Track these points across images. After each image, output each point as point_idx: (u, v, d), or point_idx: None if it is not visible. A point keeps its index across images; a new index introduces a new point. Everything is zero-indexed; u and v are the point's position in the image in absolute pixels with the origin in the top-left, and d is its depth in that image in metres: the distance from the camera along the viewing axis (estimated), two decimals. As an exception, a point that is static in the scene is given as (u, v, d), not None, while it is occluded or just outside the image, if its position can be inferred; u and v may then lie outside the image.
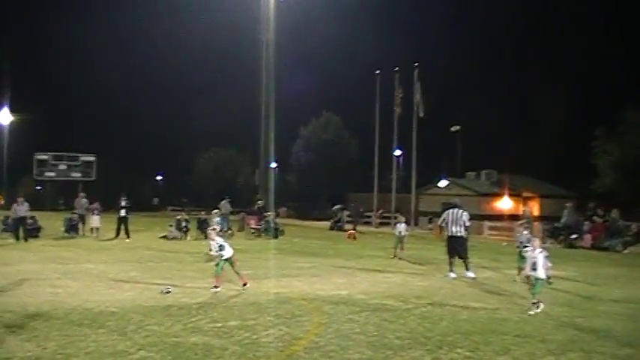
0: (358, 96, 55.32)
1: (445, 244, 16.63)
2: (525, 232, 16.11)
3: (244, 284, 13.09)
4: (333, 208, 38.55)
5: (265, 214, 31.01)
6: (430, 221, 37.28)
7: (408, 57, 40.85)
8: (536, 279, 11.17)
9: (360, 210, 40.51)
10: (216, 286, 12.89)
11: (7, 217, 25.59)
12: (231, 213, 33.67)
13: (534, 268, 11.19)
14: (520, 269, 14.74)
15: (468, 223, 16.51)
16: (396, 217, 38.82)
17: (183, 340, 8.70)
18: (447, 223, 16.31)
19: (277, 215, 34.43)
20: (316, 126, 55.65)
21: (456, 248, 16.21)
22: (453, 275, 15.90)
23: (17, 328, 9.26)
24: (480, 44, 67.51)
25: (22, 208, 23.83)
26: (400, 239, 20.95)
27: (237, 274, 13.21)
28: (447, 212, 16.49)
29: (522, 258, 14.91)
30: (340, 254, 21.76)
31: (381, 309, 11.34)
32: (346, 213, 39.89)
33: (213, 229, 14.33)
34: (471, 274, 15.89)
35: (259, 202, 32.86)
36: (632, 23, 54.89)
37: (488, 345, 8.87)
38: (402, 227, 21.22)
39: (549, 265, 11.27)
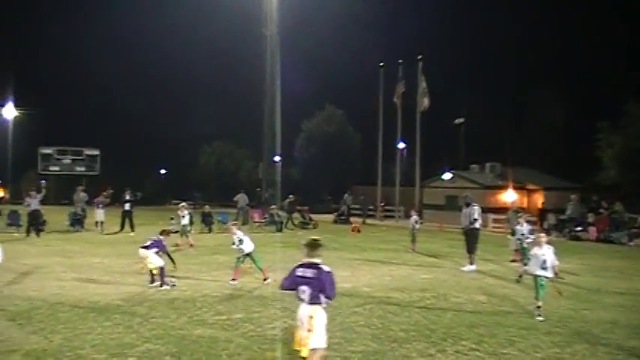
0: (361, 89, 55.15)
1: (473, 238, 16.50)
2: (526, 224, 16.13)
3: (265, 279, 13.17)
4: (345, 196, 38.46)
5: (272, 207, 30.93)
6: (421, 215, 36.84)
7: (412, 50, 40.55)
8: (545, 278, 10.29)
9: (373, 204, 40.73)
10: (234, 279, 13.01)
11: (13, 212, 25.68)
12: (248, 205, 33.66)
13: (544, 267, 10.23)
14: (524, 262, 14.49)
15: None
16: (399, 210, 39.42)
17: (189, 333, 8.75)
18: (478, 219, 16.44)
19: (309, 211, 34.27)
20: (319, 119, 55.50)
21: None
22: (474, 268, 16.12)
23: (23, 320, 9.32)
24: (483, 37, 67.22)
25: (35, 202, 23.84)
26: (413, 232, 21.00)
27: (260, 269, 13.29)
28: (477, 206, 16.52)
29: (524, 249, 15.01)
30: (344, 247, 21.73)
31: (386, 302, 11.37)
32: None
33: (234, 224, 14.38)
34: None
35: (290, 196, 32.87)
36: (634, 18, 54.57)
37: (493, 337, 8.89)
38: (412, 220, 21.29)
39: (557, 263, 10.41)
